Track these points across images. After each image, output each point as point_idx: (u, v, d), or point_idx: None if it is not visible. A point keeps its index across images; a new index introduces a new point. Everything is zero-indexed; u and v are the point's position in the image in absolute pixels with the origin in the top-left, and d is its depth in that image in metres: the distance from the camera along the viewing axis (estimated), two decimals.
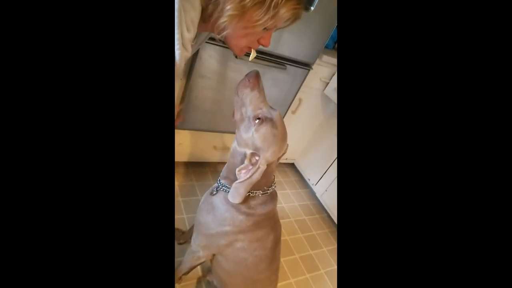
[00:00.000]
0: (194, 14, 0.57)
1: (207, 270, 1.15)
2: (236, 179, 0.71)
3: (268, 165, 0.71)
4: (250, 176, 0.68)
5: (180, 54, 0.56)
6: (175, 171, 1.55)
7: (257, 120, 0.68)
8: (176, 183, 1.49)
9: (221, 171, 0.82)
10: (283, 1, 0.59)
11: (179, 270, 0.97)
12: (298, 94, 1.55)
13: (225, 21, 0.59)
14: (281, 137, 0.72)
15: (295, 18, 0.64)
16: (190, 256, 0.90)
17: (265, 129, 0.68)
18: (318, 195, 1.84)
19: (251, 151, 0.70)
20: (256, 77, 0.71)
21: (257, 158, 0.70)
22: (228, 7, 0.57)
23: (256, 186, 0.73)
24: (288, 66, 1.38)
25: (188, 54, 0.59)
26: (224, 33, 0.61)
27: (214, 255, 0.87)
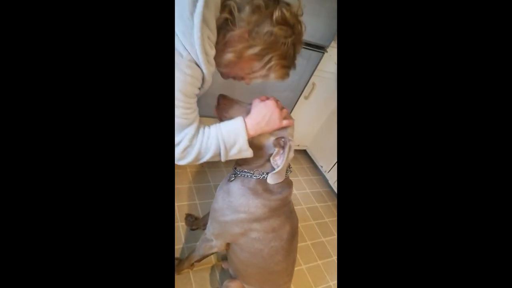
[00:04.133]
0: (210, 32, 0.57)
1: (222, 257, 1.17)
2: (256, 164, 0.75)
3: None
4: (288, 156, 0.70)
5: (207, 69, 0.59)
6: None
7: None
8: (188, 169, 1.50)
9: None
10: (277, 67, 0.64)
11: (192, 257, 0.98)
12: (311, 79, 1.50)
13: (222, 62, 0.63)
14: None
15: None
16: (203, 244, 0.90)
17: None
18: (330, 182, 1.81)
19: (273, 138, 0.72)
20: (222, 98, 0.77)
21: (283, 139, 0.71)
22: (230, 52, 0.61)
23: (271, 168, 0.74)
24: (301, 49, 1.32)
25: (213, 68, 0.62)
26: (219, 69, 0.68)
27: (229, 244, 0.87)
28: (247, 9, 0.58)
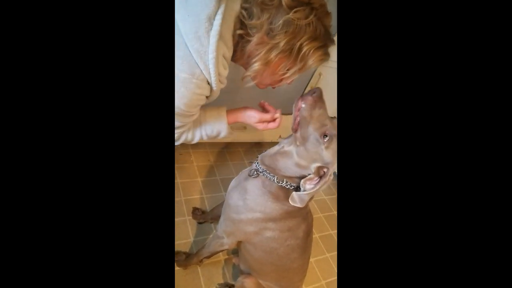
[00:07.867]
0: (226, 50, 0.56)
1: (232, 252, 1.17)
2: (283, 173, 0.73)
3: None
4: (319, 188, 0.67)
5: (217, 87, 0.59)
6: (194, 151, 1.56)
7: (326, 138, 0.66)
8: (194, 163, 1.49)
9: (259, 155, 0.81)
10: (310, 52, 0.56)
11: (201, 253, 0.96)
12: (318, 68, 1.47)
13: (251, 75, 0.61)
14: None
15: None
16: (214, 241, 0.89)
17: (334, 145, 0.67)
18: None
19: (318, 164, 0.68)
20: (320, 94, 0.69)
21: (325, 170, 0.68)
22: (255, 62, 0.57)
23: (296, 180, 0.72)
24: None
25: (223, 85, 0.63)
26: (252, 82, 0.66)
27: (240, 242, 0.86)
28: (255, 11, 0.52)
